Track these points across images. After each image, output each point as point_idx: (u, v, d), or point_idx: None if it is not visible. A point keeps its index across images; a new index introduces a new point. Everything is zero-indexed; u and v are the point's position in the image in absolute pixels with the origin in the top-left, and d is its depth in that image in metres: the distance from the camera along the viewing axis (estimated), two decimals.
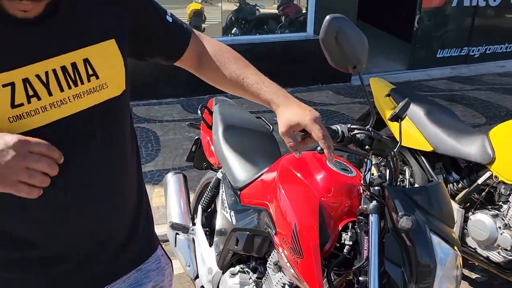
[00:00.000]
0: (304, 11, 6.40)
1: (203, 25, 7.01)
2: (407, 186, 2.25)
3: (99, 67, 0.82)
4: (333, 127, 1.11)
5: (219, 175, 1.84)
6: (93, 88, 0.81)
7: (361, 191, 1.24)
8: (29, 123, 0.75)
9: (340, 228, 1.24)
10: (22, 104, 0.74)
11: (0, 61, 0.72)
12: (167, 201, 2.06)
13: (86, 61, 0.80)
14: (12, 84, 0.73)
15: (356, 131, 1.12)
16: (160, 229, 2.50)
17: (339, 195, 1.26)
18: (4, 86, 0.72)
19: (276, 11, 7.15)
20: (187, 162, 2.25)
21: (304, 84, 5.46)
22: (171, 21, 0.99)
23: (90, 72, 0.81)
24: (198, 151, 2.13)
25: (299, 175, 1.31)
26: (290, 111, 0.97)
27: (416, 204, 1.13)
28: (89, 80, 0.81)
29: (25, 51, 0.74)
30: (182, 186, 2.06)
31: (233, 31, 6.83)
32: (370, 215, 1.15)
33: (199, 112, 1.97)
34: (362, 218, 1.19)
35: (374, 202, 1.16)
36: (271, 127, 1.97)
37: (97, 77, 0.82)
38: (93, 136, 0.83)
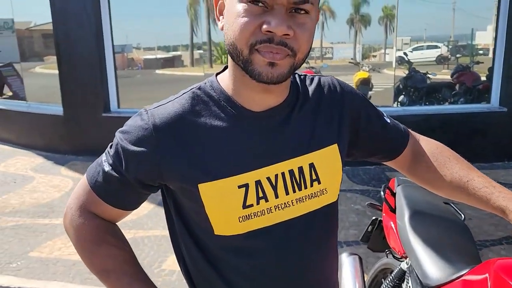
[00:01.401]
0: (483, 79, 5.89)
1: (369, 93, 7.00)
2: None
3: (322, 172, 0.82)
4: None
5: (404, 266, 1.68)
6: (315, 193, 0.81)
7: None
8: (254, 223, 0.77)
9: None
10: (251, 205, 0.77)
11: (241, 162, 0.76)
12: (341, 283, 1.96)
13: (311, 165, 0.81)
14: (247, 186, 0.76)
15: None
16: None
17: None
18: (239, 187, 0.76)
19: (450, 79, 6.73)
20: (361, 241, 2.15)
21: (487, 160, 4.86)
22: (389, 121, 0.97)
23: (314, 177, 0.81)
24: (375, 232, 2.02)
25: None
26: None
27: None
28: (311, 185, 0.81)
29: (263, 154, 0.78)
30: (358, 270, 1.95)
31: (400, 99, 6.63)
32: None
33: (381, 193, 1.89)
34: None
35: None
36: (462, 216, 1.75)
37: (319, 182, 0.82)
38: (309, 238, 0.83)
